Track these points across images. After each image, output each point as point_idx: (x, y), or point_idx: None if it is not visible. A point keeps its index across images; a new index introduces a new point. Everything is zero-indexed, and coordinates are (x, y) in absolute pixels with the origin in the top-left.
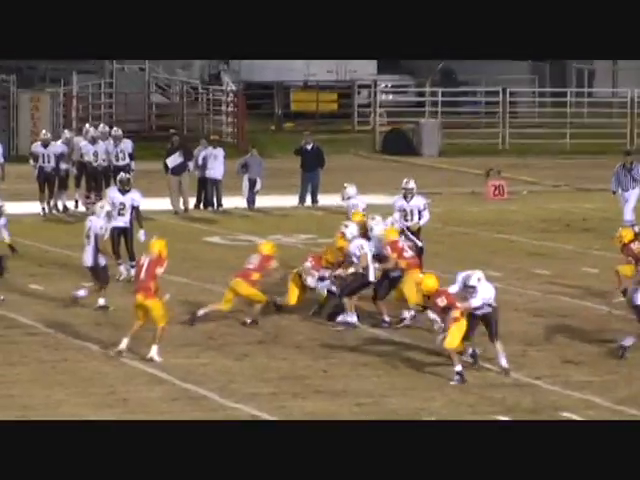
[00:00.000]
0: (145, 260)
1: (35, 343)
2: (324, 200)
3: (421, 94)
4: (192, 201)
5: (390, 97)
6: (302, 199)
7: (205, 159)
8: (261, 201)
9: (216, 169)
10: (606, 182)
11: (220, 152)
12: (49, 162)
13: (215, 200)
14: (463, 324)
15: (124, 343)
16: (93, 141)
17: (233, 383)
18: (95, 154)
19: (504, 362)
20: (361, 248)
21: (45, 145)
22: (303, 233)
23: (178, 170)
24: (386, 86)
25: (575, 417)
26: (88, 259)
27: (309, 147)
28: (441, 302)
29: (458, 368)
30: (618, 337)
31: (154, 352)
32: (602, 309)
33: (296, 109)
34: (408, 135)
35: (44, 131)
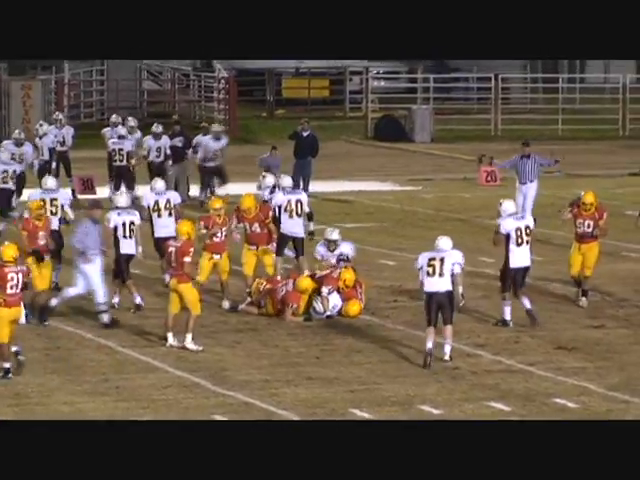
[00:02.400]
0: (173, 246)
1: (27, 331)
2: (315, 187)
3: (413, 80)
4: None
5: (382, 83)
6: (296, 186)
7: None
8: (251, 188)
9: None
10: (598, 168)
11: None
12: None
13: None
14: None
15: (170, 337)
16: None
17: (225, 370)
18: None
19: (447, 349)
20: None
21: (17, 144)
22: None
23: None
24: (378, 72)
25: (568, 403)
26: (135, 249)
27: (305, 134)
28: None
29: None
30: (608, 323)
31: (189, 341)
32: (595, 295)
33: (288, 96)
34: (400, 121)
35: (40, 122)
